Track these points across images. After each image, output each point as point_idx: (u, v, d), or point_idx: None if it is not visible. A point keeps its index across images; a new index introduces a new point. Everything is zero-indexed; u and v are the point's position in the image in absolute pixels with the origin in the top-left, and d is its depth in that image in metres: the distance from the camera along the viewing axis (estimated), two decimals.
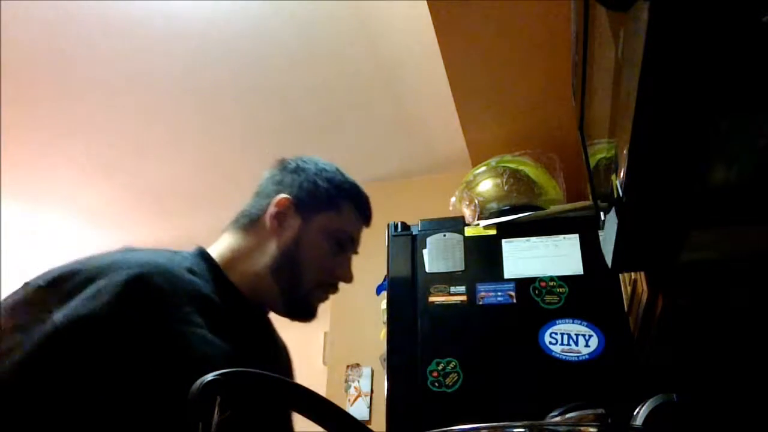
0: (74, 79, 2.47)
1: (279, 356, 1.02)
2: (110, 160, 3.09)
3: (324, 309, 3.46)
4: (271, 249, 0.93)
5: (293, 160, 1.02)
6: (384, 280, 1.66)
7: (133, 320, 0.69)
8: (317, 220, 0.95)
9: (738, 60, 0.48)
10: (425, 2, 1.48)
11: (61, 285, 0.70)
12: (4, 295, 0.75)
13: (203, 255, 0.91)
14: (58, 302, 0.68)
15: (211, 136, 2.83)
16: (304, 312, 0.95)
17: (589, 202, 1.45)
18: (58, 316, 0.66)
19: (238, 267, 0.92)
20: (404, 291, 1.49)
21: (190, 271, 0.82)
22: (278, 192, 0.97)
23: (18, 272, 4.21)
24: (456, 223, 1.56)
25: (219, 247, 0.95)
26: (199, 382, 0.48)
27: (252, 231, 0.95)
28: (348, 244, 0.98)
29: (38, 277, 0.73)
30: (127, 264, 0.73)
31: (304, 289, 0.93)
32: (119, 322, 0.68)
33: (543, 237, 1.46)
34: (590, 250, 1.41)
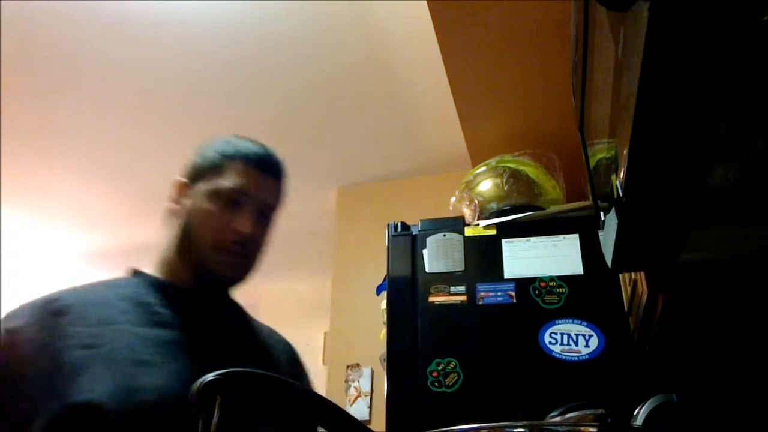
0: (74, 83, 2.47)
1: (249, 346, 0.98)
2: (110, 164, 3.09)
3: (324, 309, 3.45)
4: (173, 233, 0.95)
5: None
6: (384, 280, 1.66)
7: (46, 329, 0.77)
8: (203, 187, 0.94)
9: (738, 60, 0.48)
10: (425, 2, 1.48)
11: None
12: (4, 297, 0.80)
13: (135, 271, 0.96)
14: None
15: (211, 137, 2.83)
16: (209, 279, 0.92)
17: (589, 202, 1.45)
18: None
19: (162, 262, 0.95)
20: (404, 291, 1.49)
21: (113, 286, 0.90)
22: None
23: (18, 276, 4.21)
24: (456, 223, 1.56)
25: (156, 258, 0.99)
26: (199, 382, 0.48)
27: (167, 226, 0.99)
28: (241, 198, 0.93)
29: None
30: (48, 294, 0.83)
31: (201, 256, 0.91)
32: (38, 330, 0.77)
33: (543, 237, 1.46)
34: (590, 250, 1.41)
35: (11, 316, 0.81)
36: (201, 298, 0.93)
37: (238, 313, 1.02)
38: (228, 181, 0.93)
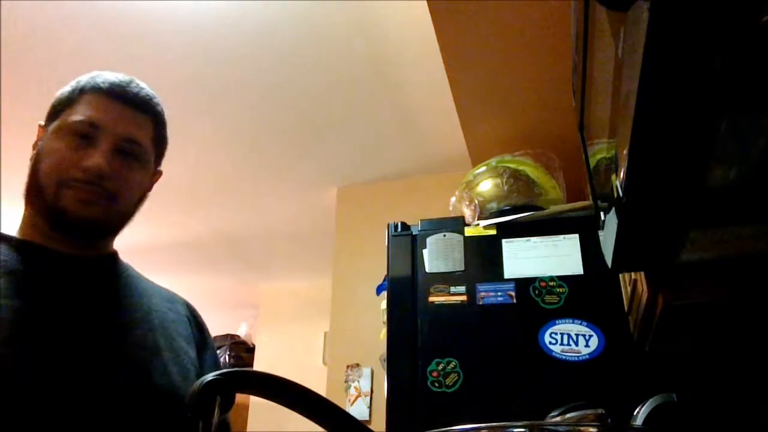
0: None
1: (115, 305, 0.87)
2: None
3: (324, 309, 3.44)
4: (26, 182, 0.86)
5: None
6: (384, 280, 1.66)
7: None
8: (53, 125, 0.85)
9: (738, 60, 0.48)
10: (425, 2, 1.48)
11: None
12: None
13: None
14: None
15: (211, 136, 2.83)
16: (63, 221, 0.81)
17: (589, 202, 1.45)
18: None
19: (21, 221, 0.87)
20: (404, 291, 1.49)
21: None
22: None
23: None
24: (456, 223, 1.56)
25: None
26: (198, 382, 0.48)
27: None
28: (91, 131, 0.82)
29: None
30: None
31: (49, 197, 0.81)
32: None
33: (543, 237, 1.46)
34: (590, 250, 1.41)
35: None
36: (72, 257, 0.84)
37: (113, 275, 0.90)
38: (82, 114, 0.83)
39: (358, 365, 2.76)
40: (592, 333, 1.32)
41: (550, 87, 1.68)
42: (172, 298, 0.98)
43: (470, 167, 1.87)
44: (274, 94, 2.50)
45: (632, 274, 1.13)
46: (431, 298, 1.46)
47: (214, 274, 4.43)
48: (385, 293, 1.55)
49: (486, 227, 1.52)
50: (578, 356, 1.31)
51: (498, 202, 1.62)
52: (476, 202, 1.62)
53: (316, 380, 2.85)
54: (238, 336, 4.75)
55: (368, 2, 2.05)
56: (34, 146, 0.87)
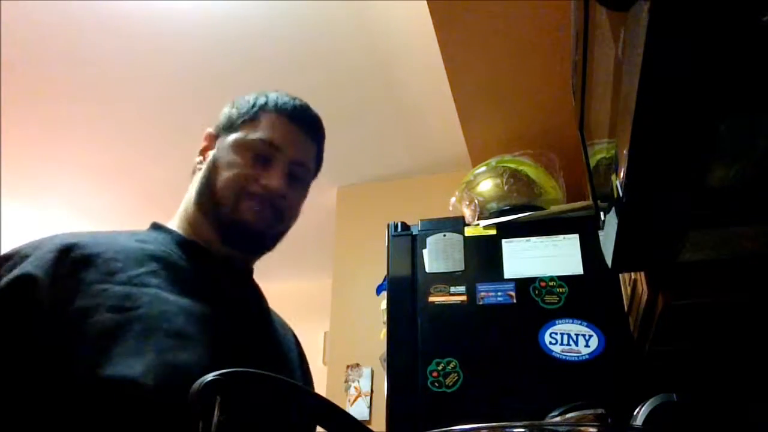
0: (75, 79, 2.47)
1: (261, 320, 0.90)
2: (111, 160, 3.09)
3: (324, 309, 3.44)
4: (195, 185, 0.87)
5: None
6: (384, 280, 1.66)
7: (66, 281, 0.67)
8: (232, 138, 0.87)
9: (738, 60, 0.48)
10: (425, 2, 1.48)
11: (3, 263, 0.70)
12: None
13: (155, 225, 0.87)
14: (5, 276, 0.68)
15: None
16: (238, 231, 0.83)
17: (589, 202, 1.45)
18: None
19: (183, 220, 0.87)
20: (404, 291, 1.49)
21: (139, 240, 0.79)
22: None
23: None
24: (456, 223, 1.56)
25: (175, 215, 0.90)
26: (198, 382, 0.48)
27: (192, 180, 0.91)
28: (271, 152, 0.85)
29: None
30: (63, 235, 0.73)
31: (226, 207, 0.82)
32: (53, 282, 0.66)
33: (543, 237, 1.46)
34: (590, 250, 1.41)
35: (15, 259, 0.69)
36: (228, 265, 0.86)
37: (257, 291, 0.94)
38: (264, 134, 0.86)
39: (358, 365, 2.76)
40: (592, 333, 1.32)
41: (550, 87, 1.68)
42: (284, 325, 0.99)
43: (470, 167, 1.87)
44: None
45: (632, 274, 1.13)
46: (431, 298, 1.46)
47: None
48: (385, 293, 1.55)
49: (486, 227, 1.52)
50: (578, 356, 1.31)
51: (498, 202, 1.62)
52: (476, 202, 1.62)
53: (316, 380, 2.85)
54: None
55: (368, 2, 2.05)
56: (204, 152, 0.90)
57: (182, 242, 0.83)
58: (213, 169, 0.85)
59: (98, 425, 0.61)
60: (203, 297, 0.76)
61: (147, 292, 0.71)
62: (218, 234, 0.84)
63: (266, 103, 0.90)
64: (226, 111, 0.92)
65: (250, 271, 0.93)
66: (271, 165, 0.85)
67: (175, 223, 0.88)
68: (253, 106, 0.89)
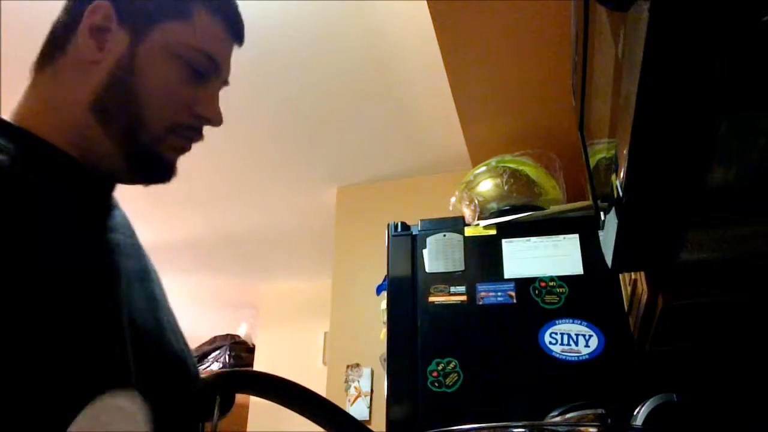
0: None
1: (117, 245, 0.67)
2: None
3: (324, 309, 3.43)
4: (90, 81, 0.63)
5: None
6: (384, 280, 1.66)
7: None
8: (156, 33, 0.65)
9: (738, 60, 0.48)
10: (425, 2, 1.48)
11: None
12: None
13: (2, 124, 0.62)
14: None
15: (211, 137, 2.83)
16: (154, 167, 0.67)
17: (589, 202, 1.45)
18: None
19: (50, 121, 0.63)
20: (404, 291, 1.49)
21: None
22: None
23: None
24: (456, 223, 1.56)
25: (21, 104, 0.67)
26: (198, 382, 0.48)
27: (61, 62, 0.65)
28: (209, 68, 0.68)
29: None
30: None
31: (149, 134, 0.64)
32: None
33: (543, 237, 1.46)
34: (590, 250, 1.41)
35: None
36: (107, 187, 0.69)
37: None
38: (202, 42, 0.67)
39: (358, 365, 2.76)
40: (592, 333, 1.32)
41: (550, 87, 1.68)
42: (125, 217, 0.76)
43: (470, 167, 1.87)
44: (274, 95, 2.50)
45: (632, 274, 1.13)
46: (431, 298, 1.46)
47: (214, 274, 4.43)
48: (385, 293, 1.55)
49: (486, 227, 1.52)
50: (578, 356, 1.31)
51: (498, 202, 1.62)
52: (476, 202, 1.62)
53: (316, 380, 2.85)
54: (238, 336, 4.75)
55: (368, 2, 2.06)
56: (97, 34, 0.64)
57: (38, 150, 0.60)
58: (131, 75, 0.64)
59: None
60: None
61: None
62: (123, 159, 0.65)
63: None
64: None
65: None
66: (207, 86, 0.68)
67: (23, 110, 0.65)
68: None
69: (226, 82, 0.73)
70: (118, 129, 0.64)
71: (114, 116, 0.64)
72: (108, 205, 0.69)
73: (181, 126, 0.67)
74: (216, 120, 0.69)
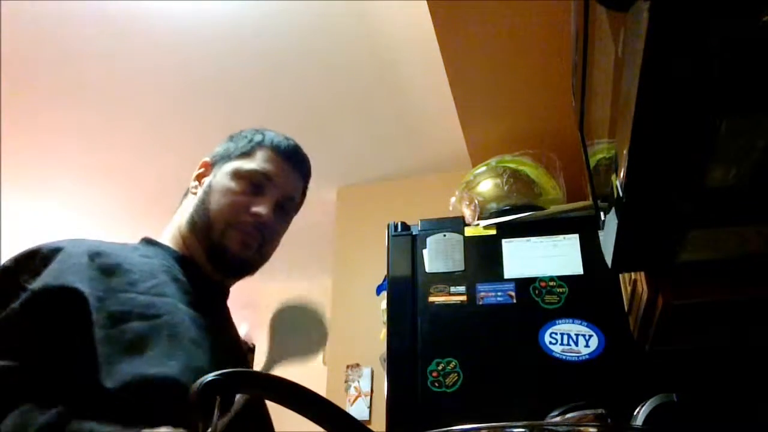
0: (75, 80, 2.47)
1: (230, 335, 0.99)
2: (111, 161, 3.09)
3: (324, 309, 3.39)
4: (190, 206, 0.94)
5: None
6: (384, 280, 1.66)
7: (99, 290, 0.72)
8: (228, 166, 0.95)
9: (738, 60, 0.48)
10: (425, 2, 1.48)
11: (25, 262, 0.74)
12: None
13: (148, 240, 0.94)
14: (30, 277, 0.71)
15: (212, 137, 2.83)
16: (226, 259, 0.91)
17: (589, 202, 1.45)
18: (35, 285, 0.70)
19: (176, 238, 0.94)
20: (404, 291, 1.49)
21: (142, 254, 0.86)
22: None
23: None
24: (456, 223, 1.55)
25: (165, 230, 0.96)
26: (199, 382, 0.48)
27: (184, 202, 0.98)
28: (264, 183, 0.93)
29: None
30: (85, 242, 0.80)
31: (216, 232, 0.90)
32: (92, 290, 0.71)
33: (543, 237, 1.46)
34: (590, 250, 1.41)
35: (37, 261, 0.73)
36: (215, 281, 0.93)
37: (227, 308, 1.02)
38: (253, 164, 0.93)
39: (358, 365, 2.77)
40: (592, 333, 1.32)
41: (550, 87, 1.68)
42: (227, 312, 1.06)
43: (470, 167, 1.87)
44: (274, 95, 2.50)
45: (632, 274, 1.13)
46: (431, 298, 1.46)
47: None
48: (385, 293, 1.55)
49: (486, 227, 1.52)
50: (578, 356, 1.31)
51: (498, 202, 1.62)
52: (476, 202, 1.62)
53: (316, 380, 2.84)
54: None
55: (368, 3, 2.06)
56: (199, 178, 0.98)
57: (179, 258, 0.91)
58: (209, 193, 0.93)
59: (141, 419, 0.64)
60: (199, 309, 0.84)
61: (166, 302, 0.78)
62: (206, 255, 0.91)
63: (263, 140, 0.98)
64: (224, 143, 1.00)
65: (228, 290, 1.00)
66: (263, 194, 0.93)
67: (167, 239, 0.94)
68: (250, 141, 0.98)
69: (290, 199, 0.98)
70: (200, 234, 0.91)
71: (198, 226, 0.91)
72: (200, 287, 0.90)
73: (238, 222, 0.90)
74: (261, 215, 0.91)
